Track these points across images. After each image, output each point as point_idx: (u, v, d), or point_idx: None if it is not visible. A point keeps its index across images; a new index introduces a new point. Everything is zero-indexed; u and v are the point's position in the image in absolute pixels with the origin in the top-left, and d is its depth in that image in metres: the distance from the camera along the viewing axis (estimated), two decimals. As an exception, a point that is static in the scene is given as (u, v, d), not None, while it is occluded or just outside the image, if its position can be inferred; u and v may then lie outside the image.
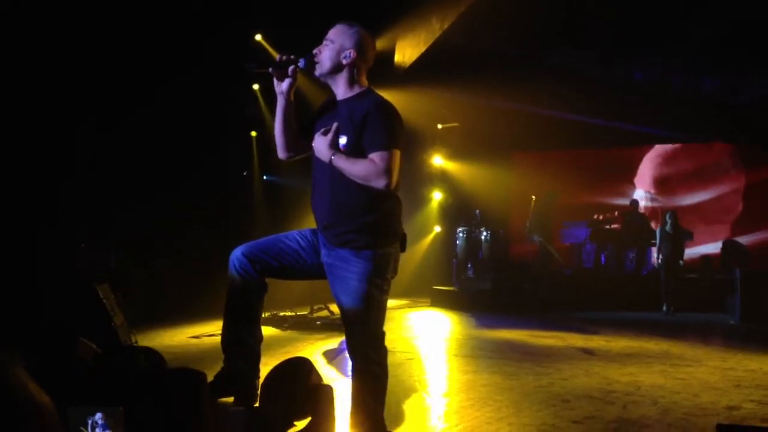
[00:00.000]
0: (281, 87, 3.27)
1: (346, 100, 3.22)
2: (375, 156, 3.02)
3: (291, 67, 3.21)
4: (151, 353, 3.42)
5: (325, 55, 3.19)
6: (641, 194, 15.91)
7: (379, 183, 3.01)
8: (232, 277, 3.29)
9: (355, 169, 3.03)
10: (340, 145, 3.10)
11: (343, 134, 3.11)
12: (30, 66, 7.98)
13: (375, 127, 3.06)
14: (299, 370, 3.48)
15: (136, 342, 4.99)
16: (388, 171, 2.99)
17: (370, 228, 3.12)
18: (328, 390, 3.43)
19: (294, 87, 3.28)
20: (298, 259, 3.29)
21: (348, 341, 3.21)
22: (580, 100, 13.52)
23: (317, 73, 3.22)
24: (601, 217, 14.63)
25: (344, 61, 3.19)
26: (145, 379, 2.98)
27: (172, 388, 2.83)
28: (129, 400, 2.48)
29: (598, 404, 4.75)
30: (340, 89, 3.24)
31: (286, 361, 3.61)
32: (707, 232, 14.66)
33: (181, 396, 2.82)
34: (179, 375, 3.04)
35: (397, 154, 3.05)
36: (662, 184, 16.07)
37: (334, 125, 3.11)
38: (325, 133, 3.11)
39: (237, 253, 3.29)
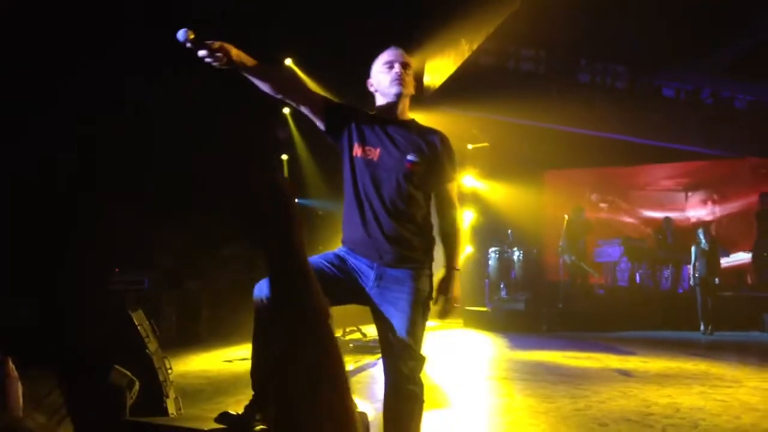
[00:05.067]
0: (230, 65, 2.94)
1: (408, 123, 3.25)
2: (448, 187, 3.26)
3: (218, 54, 2.86)
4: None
5: (411, 79, 3.25)
6: (675, 210, 15.67)
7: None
8: (257, 303, 3.22)
9: (458, 243, 3.33)
10: (409, 159, 3.13)
11: (413, 153, 3.14)
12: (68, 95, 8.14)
13: (447, 164, 3.23)
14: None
15: (170, 369, 4.98)
16: (456, 201, 3.29)
17: (422, 250, 3.16)
18: (363, 417, 3.39)
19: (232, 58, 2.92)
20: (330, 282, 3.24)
21: (391, 363, 3.09)
22: (611, 117, 13.41)
23: (398, 92, 3.19)
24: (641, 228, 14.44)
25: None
26: None
27: None
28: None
29: (637, 428, 4.65)
30: (398, 111, 3.24)
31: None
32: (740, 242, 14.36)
33: None
34: None
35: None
36: (693, 199, 15.82)
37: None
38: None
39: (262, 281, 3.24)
